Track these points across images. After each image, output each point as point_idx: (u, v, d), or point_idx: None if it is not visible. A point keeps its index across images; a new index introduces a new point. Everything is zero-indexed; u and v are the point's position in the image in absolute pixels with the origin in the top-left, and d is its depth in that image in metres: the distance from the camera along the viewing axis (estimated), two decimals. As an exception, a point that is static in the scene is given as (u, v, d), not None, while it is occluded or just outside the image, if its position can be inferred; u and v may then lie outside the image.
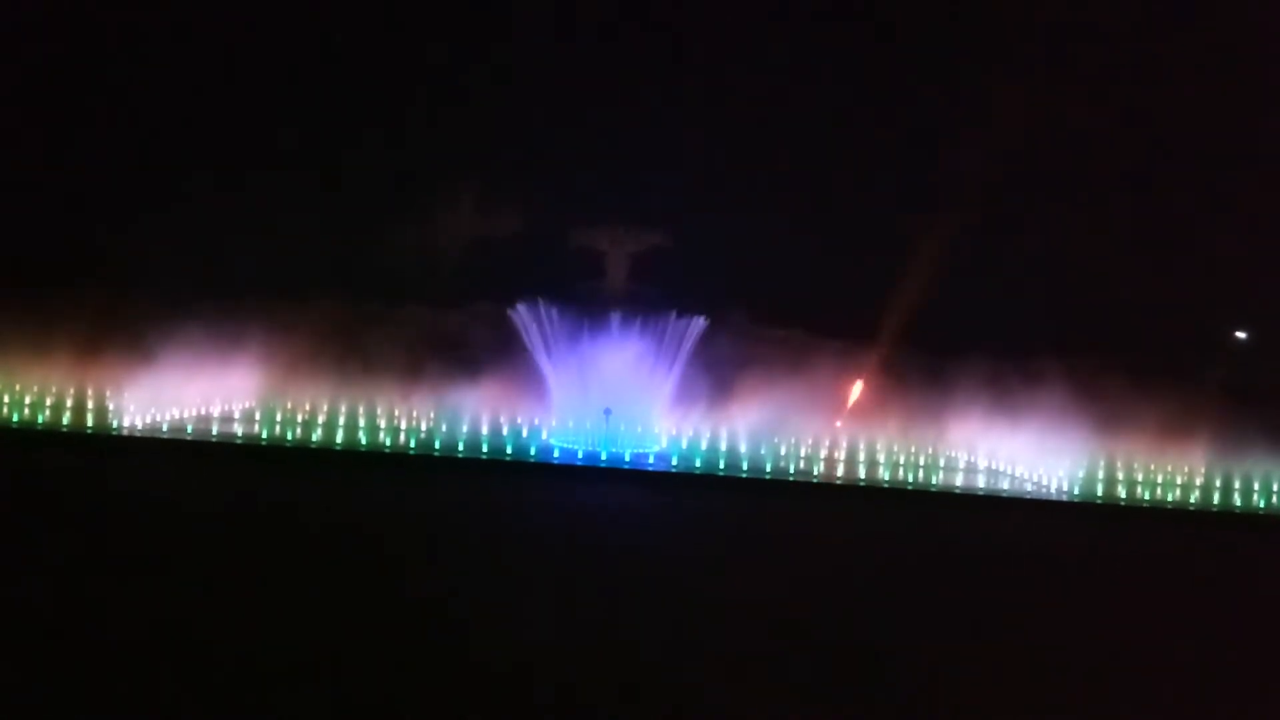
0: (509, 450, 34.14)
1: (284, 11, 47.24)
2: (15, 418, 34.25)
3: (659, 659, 15.64)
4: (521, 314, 38.98)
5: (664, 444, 36.45)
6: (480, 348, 39.06)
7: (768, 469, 34.30)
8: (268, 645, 14.96)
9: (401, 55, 48.49)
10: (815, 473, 35.11)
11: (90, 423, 34.12)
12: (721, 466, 34.19)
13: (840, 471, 35.58)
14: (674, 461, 34.27)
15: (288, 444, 33.91)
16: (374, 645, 15.17)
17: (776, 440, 36.79)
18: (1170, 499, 34.79)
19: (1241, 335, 48.31)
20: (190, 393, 36.35)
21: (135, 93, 47.18)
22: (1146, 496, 34.79)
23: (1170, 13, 46.16)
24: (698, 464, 33.98)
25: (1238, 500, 34.74)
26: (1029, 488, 35.48)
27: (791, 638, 17.23)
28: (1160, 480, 36.03)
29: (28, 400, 35.41)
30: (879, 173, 48.45)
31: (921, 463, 36.84)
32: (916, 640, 17.55)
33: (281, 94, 47.60)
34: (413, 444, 34.95)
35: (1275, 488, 35.07)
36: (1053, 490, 34.71)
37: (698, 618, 17.91)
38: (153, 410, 35.00)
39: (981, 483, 36.06)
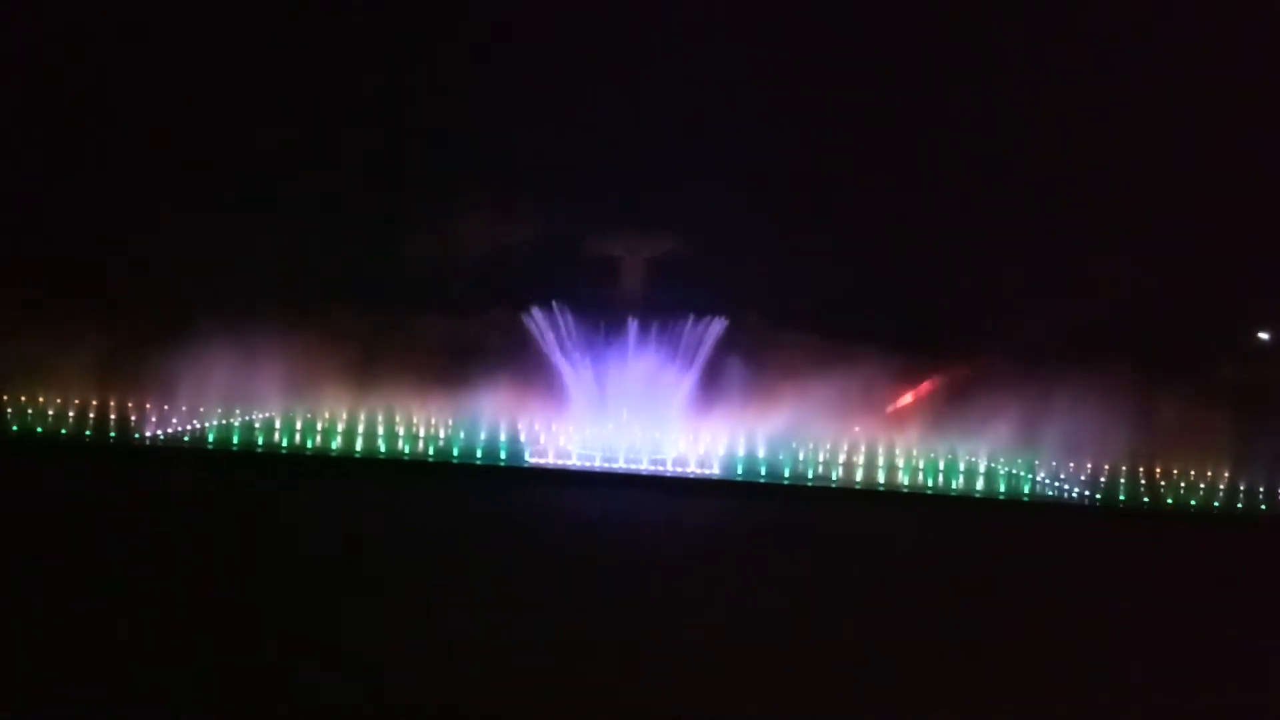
0: (527, 456, 34.20)
1: (304, 22, 47.54)
2: (39, 429, 34.56)
3: (676, 659, 15.63)
4: (539, 321, 39.06)
5: (681, 449, 36.38)
6: (498, 355, 39.10)
7: (787, 474, 34.20)
8: (288, 647, 15.04)
9: (417, 64, 48.70)
10: (834, 477, 35.00)
11: (113, 433, 34.38)
12: (740, 471, 34.12)
13: (859, 476, 35.43)
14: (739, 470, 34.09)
15: (307, 452, 34.09)
16: (392, 647, 15.23)
17: (795, 445, 36.68)
18: (1194, 502, 34.49)
19: (1263, 335, 47.81)
20: (211, 402, 36.56)
21: (157, 103, 47.52)
22: (1169, 500, 34.49)
23: (1178, 11, 45.82)
24: (739, 471, 33.97)
25: (1264, 505, 34.43)
26: (1049, 492, 35.22)
27: (809, 640, 17.18)
28: (1183, 484, 35.72)
29: (50, 412, 35.72)
30: (895, 177, 48.24)
31: (941, 467, 36.61)
32: (934, 641, 17.47)
33: (301, 105, 47.85)
34: (431, 451, 35.06)
35: None
36: (1073, 494, 34.46)
37: (715, 620, 17.89)
38: (174, 420, 35.26)
39: (1001, 487, 35.81)
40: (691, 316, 38.99)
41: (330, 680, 14.04)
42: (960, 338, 42.98)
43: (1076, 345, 41.31)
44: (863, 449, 38.01)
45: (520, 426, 37.38)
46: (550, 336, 38.83)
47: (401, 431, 36.53)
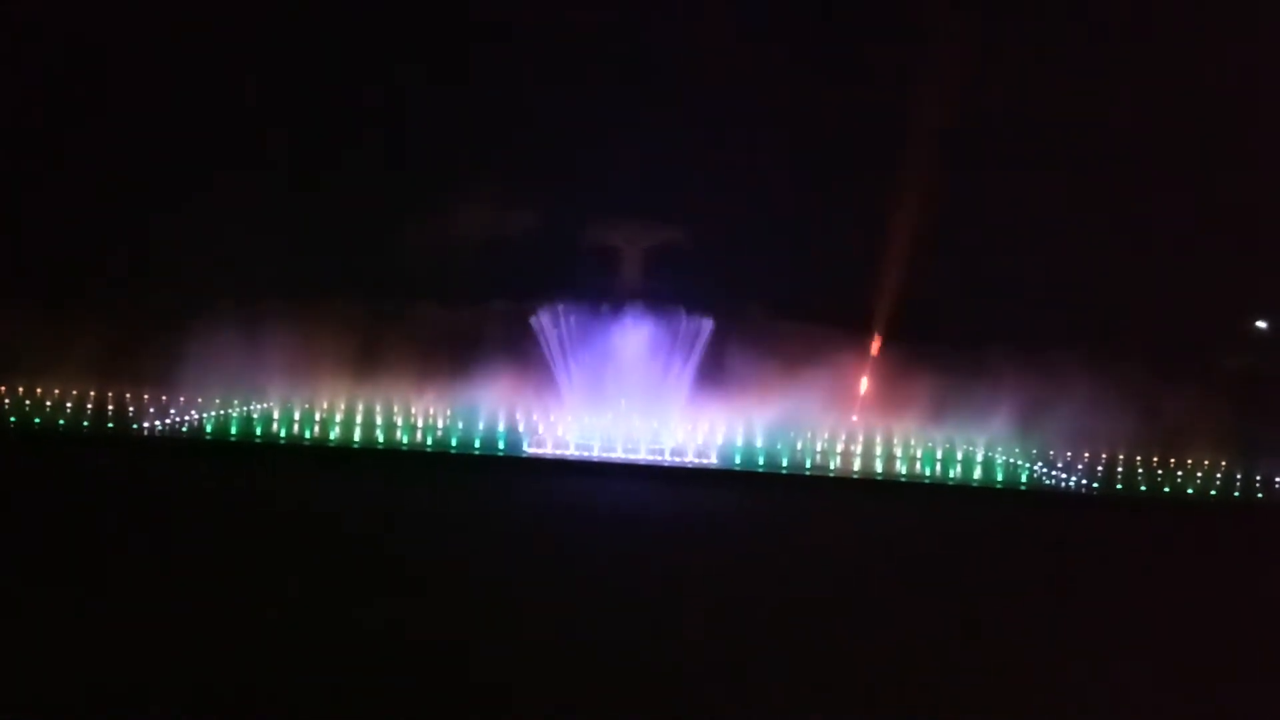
0: (525, 446, 34.24)
1: (302, 15, 47.42)
2: (37, 420, 34.58)
3: (674, 648, 15.67)
4: (537, 312, 39.08)
5: (679, 439, 36.43)
6: (496, 346, 39.14)
7: (784, 463, 34.25)
8: (286, 639, 15.08)
9: (415, 56, 48.58)
10: (832, 467, 35.06)
11: (111, 425, 34.42)
12: (738, 461, 34.17)
13: (857, 465, 35.48)
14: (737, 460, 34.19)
15: (305, 442, 34.13)
16: (389, 637, 15.27)
17: (793, 435, 36.72)
18: (1190, 490, 34.56)
19: (1263, 325, 47.82)
20: (209, 393, 36.60)
21: (154, 97, 47.43)
22: (1166, 489, 34.55)
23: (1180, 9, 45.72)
24: (737, 460, 34.06)
25: (1261, 494, 34.50)
26: (1046, 481, 35.27)
27: (807, 628, 17.23)
28: (1180, 473, 35.79)
29: (48, 404, 35.75)
30: (896, 168, 48.19)
31: (938, 456, 36.67)
32: (933, 630, 17.52)
33: (298, 97, 47.75)
34: (429, 442, 35.10)
35: None
36: (1070, 483, 34.51)
37: (713, 609, 17.93)
38: (172, 411, 35.29)
39: (999, 476, 35.87)
40: (689, 306, 39.00)
41: (328, 671, 14.07)
42: (960, 328, 42.96)
43: (1074, 334, 41.36)
44: (860, 438, 38.05)
45: (518, 416, 37.43)
46: (549, 327, 38.85)
47: (400, 422, 36.57)
